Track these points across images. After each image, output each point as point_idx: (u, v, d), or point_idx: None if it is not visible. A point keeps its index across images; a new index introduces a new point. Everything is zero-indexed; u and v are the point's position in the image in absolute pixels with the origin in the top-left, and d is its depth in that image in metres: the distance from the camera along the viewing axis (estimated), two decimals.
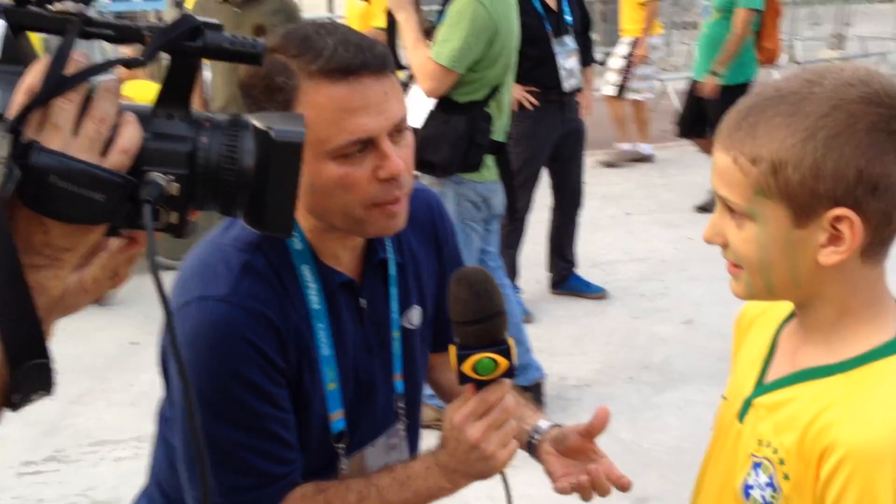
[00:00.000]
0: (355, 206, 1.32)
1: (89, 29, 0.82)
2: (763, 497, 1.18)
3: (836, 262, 1.10)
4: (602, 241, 6.13)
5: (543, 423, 1.59)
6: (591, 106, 5.27)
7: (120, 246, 0.90)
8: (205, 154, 0.84)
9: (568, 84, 4.72)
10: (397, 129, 1.32)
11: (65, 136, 0.78)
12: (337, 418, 1.44)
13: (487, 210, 3.78)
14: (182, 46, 0.83)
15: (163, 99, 0.85)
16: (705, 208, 6.83)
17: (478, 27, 3.45)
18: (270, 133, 0.86)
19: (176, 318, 1.34)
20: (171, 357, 1.36)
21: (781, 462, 1.15)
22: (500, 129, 3.71)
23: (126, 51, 5.13)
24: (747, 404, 1.25)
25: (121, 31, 0.83)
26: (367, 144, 1.29)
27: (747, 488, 1.20)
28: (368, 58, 1.28)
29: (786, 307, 1.32)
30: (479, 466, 1.31)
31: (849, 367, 1.14)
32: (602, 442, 1.48)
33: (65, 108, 0.78)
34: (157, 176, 0.82)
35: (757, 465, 1.19)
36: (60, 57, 0.78)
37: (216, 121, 0.87)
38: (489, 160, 3.70)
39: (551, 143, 4.82)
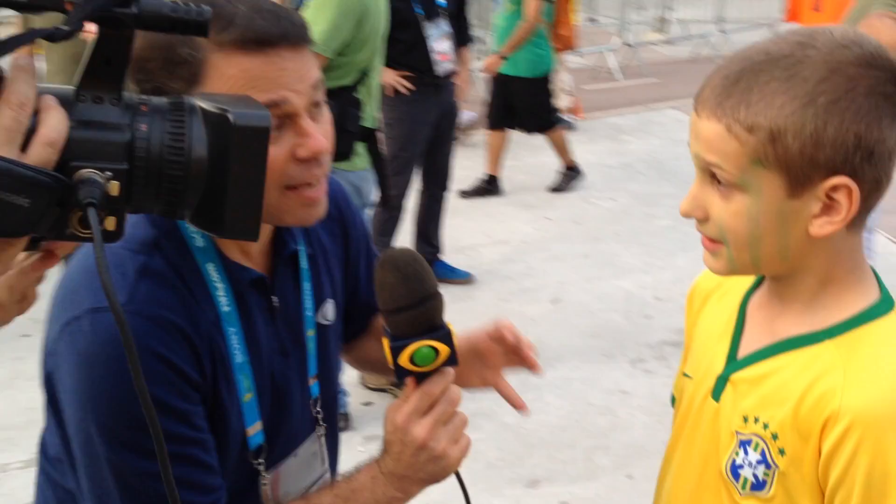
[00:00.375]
0: (270, 190, 1.18)
1: None
2: (755, 476, 1.13)
3: (829, 232, 1.06)
4: (462, 225, 6.11)
5: None
6: (468, 88, 5.24)
7: (32, 262, 0.75)
8: (145, 144, 0.71)
9: (441, 68, 4.66)
10: (315, 104, 1.20)
11: None
12: (255, 432, 1.29)
13: (359, 199, 3.66)
14: (113, 14, 0.69)
15: (88, 79, 0.71)
16: (558, 188, 6.94)
17: (346, 9, 3.32)
18: (228, 116, 0.74)
19: (65, 337, 1.16)
20: (73, 386, 1.16)
21: (774, 437, 1.11)
22: (369, 115, 3.60)
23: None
24: (723, 381, 1.20)
25: None
26: (285, 120, 1.16)
27: (735, 468, 1.16)
28: (287, 27, 1.14)
29: (746, 278, 1.28)
30: (431, 468, 1.21)
31: (837, 333, 1.11)
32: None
33: None
34: (91, 173, 0.68)
35: (745, 443, 1.15)
36: None
37: (154, 104, 0.74)
38: (360, 147, 3.59)
39: (429, 127, 4.75)
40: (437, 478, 1.23)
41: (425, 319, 1.13)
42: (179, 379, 1.16)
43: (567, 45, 6.96)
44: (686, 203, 1.13)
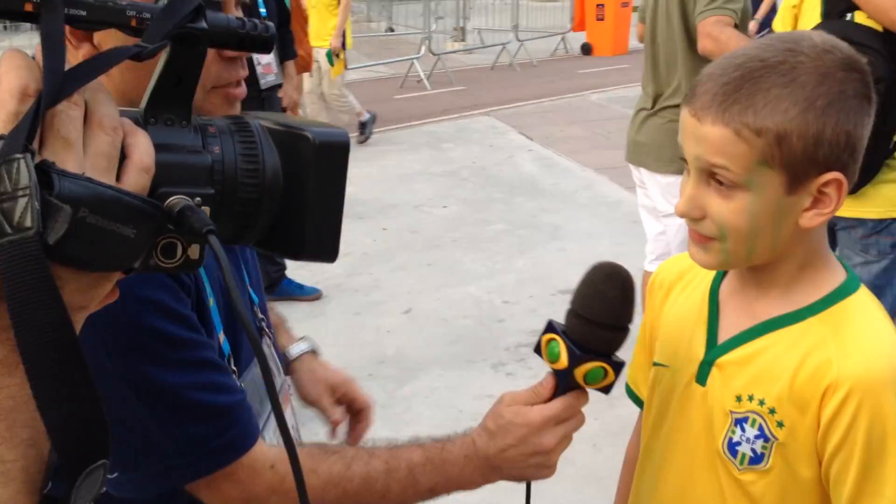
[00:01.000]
0: (198, 91, 1.16)
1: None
2: (753, 450, 1.20)
3: (818, 223, 1.14)
4: None
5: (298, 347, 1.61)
6: (293, 102, 5.16)
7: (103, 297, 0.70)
8: (221, 167, 0.69)
9: (265, 81, 4.58)
10: (238, 2, 1.17)
11: (78, 153, 0.59)
12: (223, 340, 1.25)
13: None
14: (188, 31, 0.66)
15: (158, 100, 0.68)
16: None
17: None
18: (306, 134, 0.72)
19: None
20: None
21: (772, 411, 1.18)
22: None
23: None
24: (707, 365, 1.26)
25: (97, 12, 0.63)
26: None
27: (733, 445, 1.22)
28: None
29: (703, 269, 1.35)
30: (531, 472, 1.21)
31: (819, 310, 1.19)
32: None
33: (73, 115, 0.59)
34: (185, 199, 0.65)
35: (741, 421, 1.21)
36: (54, 47, 0.59)
37: (219, 125, 0.71)
38: None
39: None
40: (523, 478, 1.23)
41: (616, 344, 1.14)
42: (175, 284, 1.11)
43: (305, 66, 6.66)
44: (683, 204, 1.18)
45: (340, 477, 1.19)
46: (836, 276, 1.22)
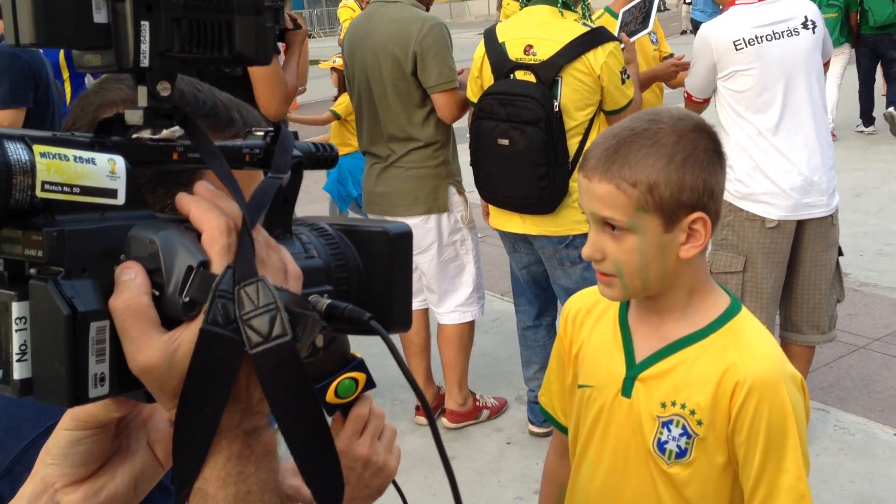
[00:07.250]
0: None
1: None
2: (678, 446, 1.49)
3: (693, 255, 1.45)
4: None
5: None
6: None
7: None
8: (326, 267, 0.79)
9: None
10: None
11: (270, 270, 0.69)
12: None
13: None
14: (298, 159, 0.77)
15: (273, 217, 0.76)
16: None
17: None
18: (386, 230, 0.84)
19: None
20: None
21: (693, 413, 1.47)
22: None
23: None
24: (630, 381, 1.54)
25: (226, 152, 0.72)
26: None
27: (661, 444, 1.50)
28: None
29: (608, 303, 1.63)
30: (376, 482, 1.30)
31: (716, 328, 1.50)
32: None
33: (260, 240, 0.69)
34: (324, 298, 0.72)
35: (667, 423, 1.49)
36: (236, 188, 0.69)
37: (305, 232, 0.81)
38: None
39: None
40: (380, 490, 1.31)
41: (340, 355, 1.22)
42: None
43: None
44: (588, 249, 1.47)
45: None
46: (721, 298, 1.54)
